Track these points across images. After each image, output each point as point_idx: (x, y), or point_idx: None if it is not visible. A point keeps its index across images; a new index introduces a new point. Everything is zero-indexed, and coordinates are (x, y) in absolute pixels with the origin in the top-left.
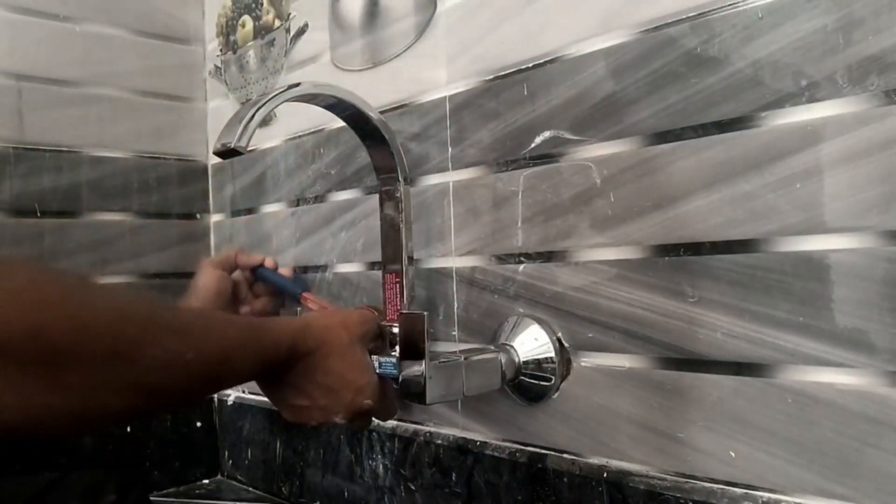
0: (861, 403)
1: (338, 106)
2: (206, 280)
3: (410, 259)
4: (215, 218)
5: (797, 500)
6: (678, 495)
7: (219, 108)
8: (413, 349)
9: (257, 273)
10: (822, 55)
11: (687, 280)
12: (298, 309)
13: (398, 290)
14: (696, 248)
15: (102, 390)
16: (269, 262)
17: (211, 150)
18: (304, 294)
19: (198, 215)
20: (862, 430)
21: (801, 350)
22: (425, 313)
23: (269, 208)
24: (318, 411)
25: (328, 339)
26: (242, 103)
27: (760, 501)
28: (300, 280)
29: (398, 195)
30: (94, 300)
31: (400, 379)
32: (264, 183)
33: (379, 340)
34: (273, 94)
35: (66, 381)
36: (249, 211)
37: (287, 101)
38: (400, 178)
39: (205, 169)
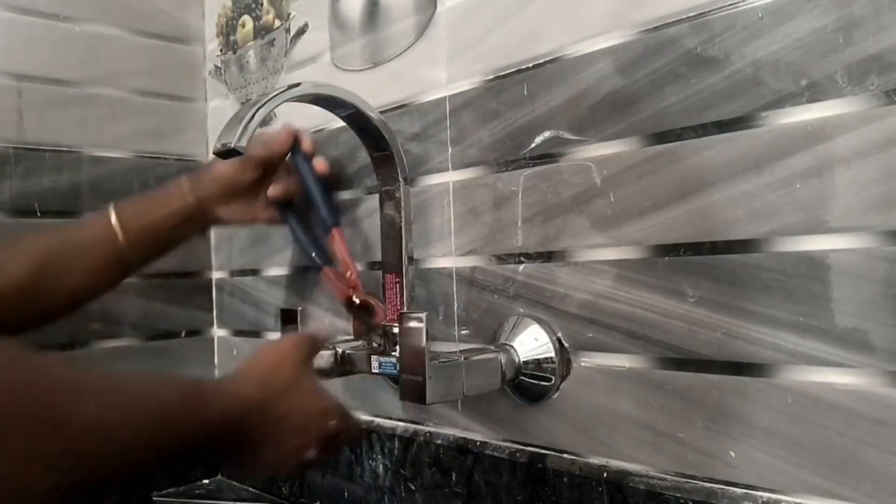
0: (861, 403)
1: (338, 106)
2: (223, 168)
3: (410, 259)
4: None
5: (797, 500)
6: (678, 495)
7: (219, 108)
8: (413, 349)
9: (293, 159)
10: (822, 55)
11: (687, 280)
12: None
13: (398, 290)
14: (696, 248)
15: (32, 459)
16: (306, 145)
17: (211, 150)
18: (327, 268)
19: None
20: (862, 430)
21: (801, 350)
22: (425, 313)
23: None
24: (289, 455)
25: (276, 380)
26: (242, 103)
27: (760, 501)
28: (333, 209)
29: (398, 195)
30: (22, 364)
31: (400, 379)
32: None
33: (318, 357)
34: (273, 94)
35: None
36: None
37: (287, 101)
38: (400, 178)
39: None
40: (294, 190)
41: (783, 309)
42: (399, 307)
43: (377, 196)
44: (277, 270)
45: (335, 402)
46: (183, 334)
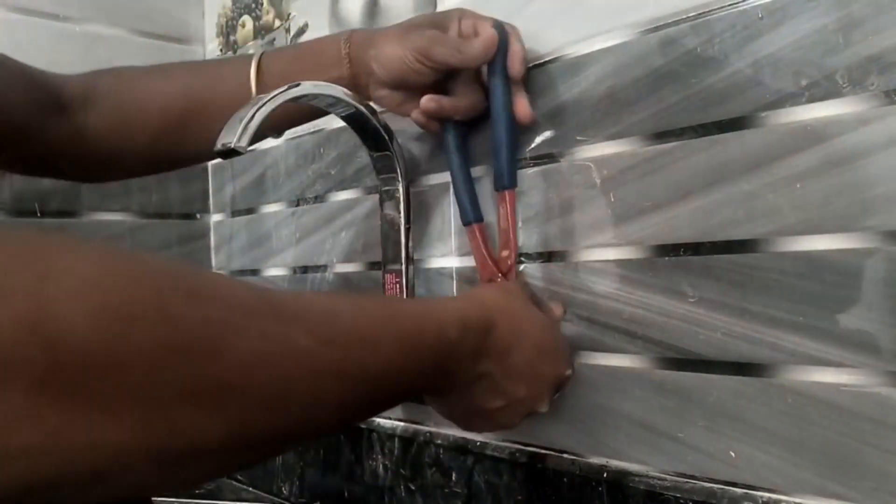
0: (861, 403)
1: (338, 106)
2: (394, 58)
3: (410, 259)
4: (215, 218)
5: (797, 500)
6: (678, 495)
7: None
8: None
9: (490, 78)
10: (822, 55)
11: (687, 280)
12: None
13: (398, 290)
14: (696, 248)
15: (176, 403)
16: (514, 63)
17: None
18: (476, 226)
19: (198, 215)
20: (862, 430)
21: (801, 350)
22: None
23: (269, 208)
24: (518, 407)
25: (504, 308)
26: None
27: (760, 501)
28: (514, 162)
29: (398, 195)
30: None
31: None
32: (264, 183)
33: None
34: (273, 94)
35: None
36: (249, 211)
37: (287, 101)
38: (400, 178)
39: (205, 169)
40: (474, 109)
41: (783, 309)
42: None
43: (377, 196)
44: (277, 270)
45: (567, 343)
46: None
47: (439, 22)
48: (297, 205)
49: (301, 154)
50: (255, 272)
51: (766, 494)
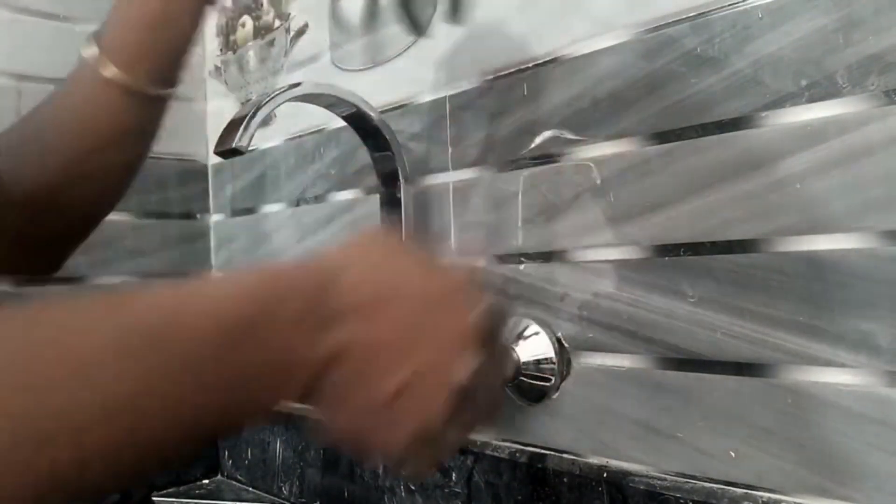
0: (862, 403)
1: (338, 106)
2: None
3: None
4: (215, 218)
5: (797, 500)
6: (678, 495)
7: (219, 108)
8: None
9: None
10: (822, 55)
11: (687, 280)
12: None
13: None
14: (696, 248)
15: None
16: None
17: (211, 150)
18: None
19: (198, 215)
20: (862, 430)
21: (801, 350)
22: None
23: (269, 208)
24: (430, 379)
25: (354, 254)
26: (242, 103)
27: (760, 501)
28: None
29: (398, 195)
30: None
31: None
32: (264, 183)
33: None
34: (273, 94)
35: None
36: (249, 211)
37: (287, 101)
38: (400, 178)
39: (205, 169)
40: None
41: (783, 309)
42: None
43: (377, 196)
44: None
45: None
46: None
47: None
48: (298, 205)
49: (301, 154)
50: None
51: (766, 494)
